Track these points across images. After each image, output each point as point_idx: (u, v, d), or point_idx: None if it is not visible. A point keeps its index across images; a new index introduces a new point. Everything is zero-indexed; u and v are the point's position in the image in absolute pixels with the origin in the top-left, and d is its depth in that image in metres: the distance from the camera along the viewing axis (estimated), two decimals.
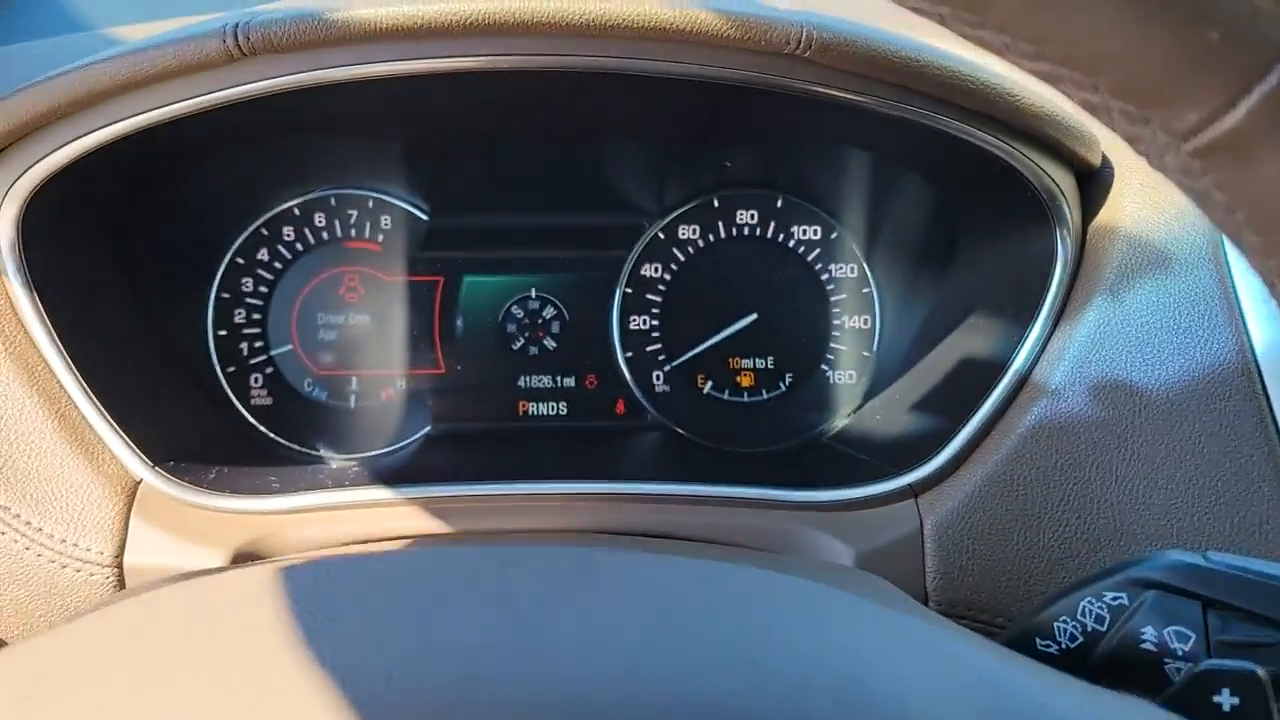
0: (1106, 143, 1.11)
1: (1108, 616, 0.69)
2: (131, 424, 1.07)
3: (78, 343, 1.07)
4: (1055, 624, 0.72)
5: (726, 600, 0.50)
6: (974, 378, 1.12)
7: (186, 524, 1.05)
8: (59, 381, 1.05)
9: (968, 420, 1.08)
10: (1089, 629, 0.70)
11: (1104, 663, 0.69)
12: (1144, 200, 1.08)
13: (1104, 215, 1.10)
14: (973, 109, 1.01)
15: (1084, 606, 0.71)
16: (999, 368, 1.08)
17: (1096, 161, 1.10)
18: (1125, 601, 0.68)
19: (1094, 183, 1.12)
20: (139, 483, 1.06)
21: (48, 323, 1.06)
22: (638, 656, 0.44)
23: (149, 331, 1.24)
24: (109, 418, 1.06)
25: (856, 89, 1.00)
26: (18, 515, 1.01)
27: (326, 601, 0.46)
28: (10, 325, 1.05)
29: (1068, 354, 1.05)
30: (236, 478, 1.13)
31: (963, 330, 1.21)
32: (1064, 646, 0.71)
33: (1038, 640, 0.73)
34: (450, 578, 0.48)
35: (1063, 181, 1.08)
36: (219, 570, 0.70)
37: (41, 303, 1.06)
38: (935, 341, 1.25)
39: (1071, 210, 1.08)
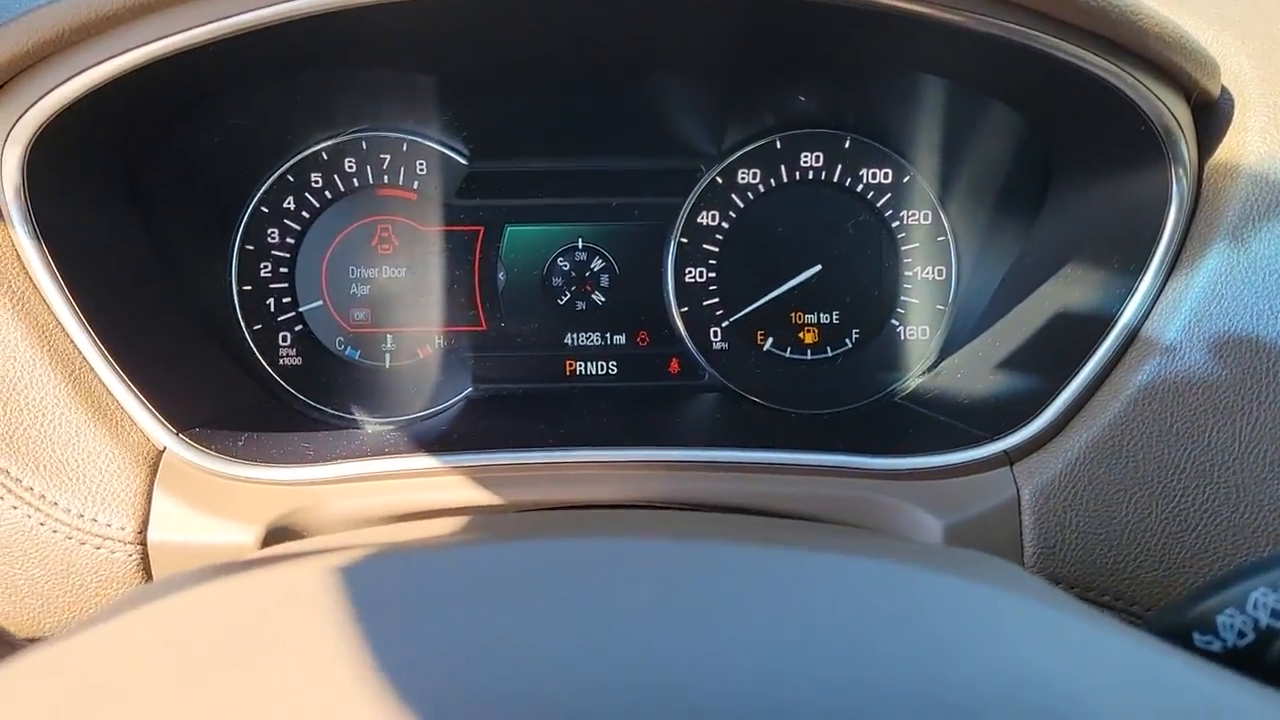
0: (1226, 73, 1.00)
1: None
2: (152, 388, 0.98)
3: (91, 299, 0.98)
4: (1218, 618, 0.62)
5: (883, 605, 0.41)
6: (1074, 333, 1.01)
7: (215, 496, 0.97)
8: (72, 341, 0.97)
9: (1070, 380, 0.97)
10: (1262, 625, 0.60)
11: None
12: (1271, 136, 0.97)
13: (1223, 152, 0.99)
14: (1086, 29, 0.90)
15: (1255, 599, 0.61)
16: (1105, 322, 0.98)
17: (1216, 92, 0.99)
18: None
19: (1211, 117, 1.01)
20: (162, 452, 0.97)
21: (58, 277, 0.96)
22: (805, 672, 0.35)
23: (169, 287, 1.14)
24: (128, 381, 0.97)
25: (949, 3, 0.89)
26: (30, 488, 0.93)
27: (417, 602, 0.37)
28: (17, 280, 0.96)
29: (1184, 306, 0.94)
30: (268, 445, 1.04)
31: (1058, 281, 1.10)
32: (1230, 644, 0.61)
33: (1196, 635, 0.63)
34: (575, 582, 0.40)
35: (1180, 115, 0.96)
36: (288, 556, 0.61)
37: (51, 255, 0.96)
38: (1024, 294, 1.14)
39: (1188, 147, 0.97)
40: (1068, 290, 1.08)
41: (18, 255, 0.97)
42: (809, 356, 1.30)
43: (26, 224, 0.96)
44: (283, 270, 1.27)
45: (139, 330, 1.03)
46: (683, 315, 1.29)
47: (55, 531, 0.93)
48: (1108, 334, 0.97)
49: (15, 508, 0.92)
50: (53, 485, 0.93)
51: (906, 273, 1.29)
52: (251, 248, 1.26)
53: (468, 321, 1.29)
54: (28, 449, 0.93)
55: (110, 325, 0.98)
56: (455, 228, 1.28)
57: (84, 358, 0.97)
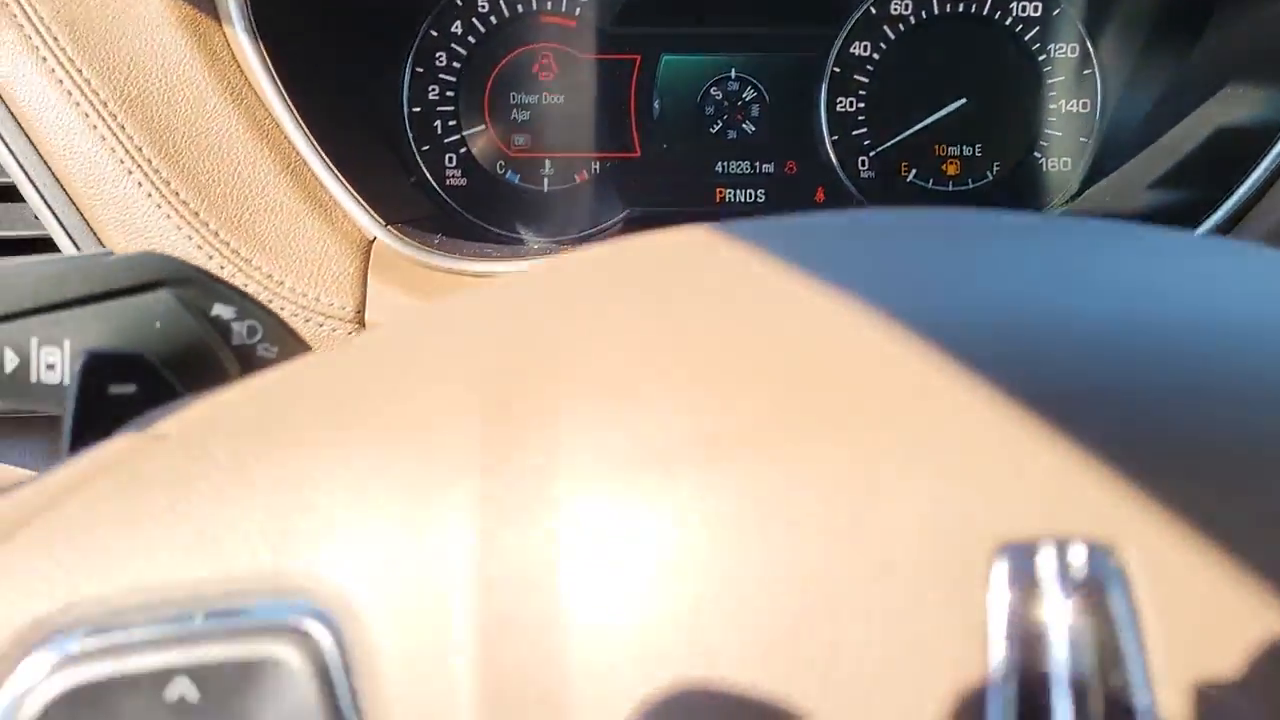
0: None
1: None
2: (359, 183, 1.04)
3: (303, 97, 1.03)
4: None
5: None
6: (1239, 145, 1.05)
7: (423, 284, 1.03)
8: (287, 137, 1.02)
9: (1238, 185, 1.01)
10: None
11: None
12: None
13: None
14: None
15: None
16: (1273, 130, 1.01)
17: None
18: None
19: None
20: (372, 242, 1.04)
21: (274, 75, 1.02)
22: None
23: (360, 100, 1.20)
24: (339, 176, 1.02)
25: None
26: (259, 268, 0.99)
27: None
28: (235, 77, 1.02)
29: None
30: (459, 245, 1.10)
31: (1217, 101, 1.13)
32: None
33: None
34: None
35: None
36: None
37: (267, 54, 1.02)
38: (1178, 117, 1.17)
39: None
40: (1228, 109, 1.11)
41: (233, 56, 1.02)
42: (950, 188, 1.34)
43: (245, 20, 1.01)
44: (449, 94, 1.31)
45: (342, 132, 1.09)
46: (833, 144, 1.33)
47: (282, 309, 1.00)
48: (1277, 141, 1.01)
49: (246, 285, 0.99)
50: (279, 267, 1.00)
51: (1050, 106, 1.32)
52: (421, 70, 1.30)
53: (623, 148, 1.34)
54: (255, 235, 1.00)
55: (319, 123, 1.04)
56: (613, 56, 1.32)
57: (299, 152, 1.02)
